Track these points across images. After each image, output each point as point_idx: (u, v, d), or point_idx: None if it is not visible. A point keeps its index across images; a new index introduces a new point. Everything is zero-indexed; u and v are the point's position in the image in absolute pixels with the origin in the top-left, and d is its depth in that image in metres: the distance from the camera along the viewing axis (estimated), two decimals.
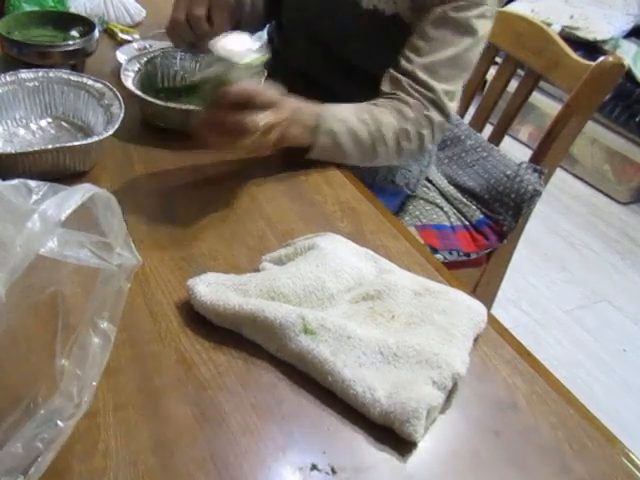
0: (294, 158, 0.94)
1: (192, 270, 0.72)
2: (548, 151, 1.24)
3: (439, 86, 0.99)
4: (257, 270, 0.72)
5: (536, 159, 1.27)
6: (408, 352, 0.61)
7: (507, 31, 1.37)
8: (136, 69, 1.01)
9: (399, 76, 1.01)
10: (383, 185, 1.24)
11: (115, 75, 1.10)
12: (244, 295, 0.65)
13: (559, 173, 2.73)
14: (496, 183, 1.29)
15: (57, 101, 0.95)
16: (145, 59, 1.03)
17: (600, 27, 2.74)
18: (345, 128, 0.93)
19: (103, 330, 0.52)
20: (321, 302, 0.66)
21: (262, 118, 0.78)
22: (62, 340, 0.53)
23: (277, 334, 0.63)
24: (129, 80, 0.96)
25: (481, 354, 0.67)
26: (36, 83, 0.93)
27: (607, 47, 2.76)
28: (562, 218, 2.48)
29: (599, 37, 2.71)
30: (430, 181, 1.40)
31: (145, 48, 1.18)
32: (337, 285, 0.68)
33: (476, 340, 0.67)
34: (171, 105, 0.92)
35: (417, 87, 0.99)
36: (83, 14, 1.23)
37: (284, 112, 0.83)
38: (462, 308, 0.67)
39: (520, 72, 1.40)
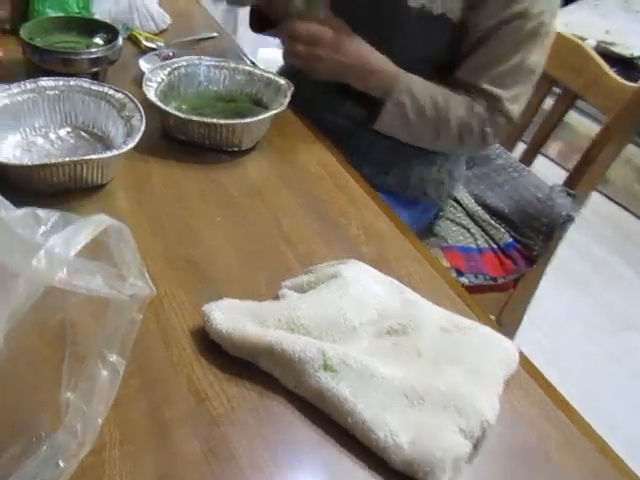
0: (316, 177, 0.91)
1: (208, 293, 0.69)
2: (584, 175, 1.19)
3: (504, 94, 1.02)
4: (277, 296, 0.69)
5: (570, 182, 1.22)
6: (434, 396, 0.57)
7: None
8: (159, 79, 0.98)
9: (467, 87, 1.03)
10: (414, 196, 1.21)
11: (137, 84, 1.08)
12: (262, 325, 0.61)
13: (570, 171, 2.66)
14: (527, 206, 1.24)
15: (77, 110, 0.92)
16: (168, 69, 1.00)
17: (637, 43, 2.67)
18: (414, 103, 1.01)
19: (112, 363, 0.49)
20: (343, 335, 0.63)
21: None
22: (69, 371, 0.49)
23: (295, 369, 0.59)
24: (151, 91, 0.94)
25: (511, 398, 0.62)
26: (56, 92, 0.91)
27: None
28: (589, 239, 2.41)
29: (636, 53, 2.64)
30: (457, 201, 1.36)
31: (169, 56, 1.15)
32: (360, 317, 0.64)
33: (506, 383, 0.63)
34: (193, 118, 0.89)
35: (485, 95, 1.03)
36: (107, 20, 1.22)
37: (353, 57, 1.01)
38: (492, 347, 0.63)
39: (556, 89, 1.35)
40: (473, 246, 1.27)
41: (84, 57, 1.01)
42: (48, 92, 0.90)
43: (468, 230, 1.30)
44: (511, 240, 1.26)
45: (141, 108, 0.87)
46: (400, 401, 0.57)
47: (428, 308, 0.67)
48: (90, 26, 1.11)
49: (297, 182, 0.90)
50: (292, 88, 0.98)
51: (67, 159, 0.77)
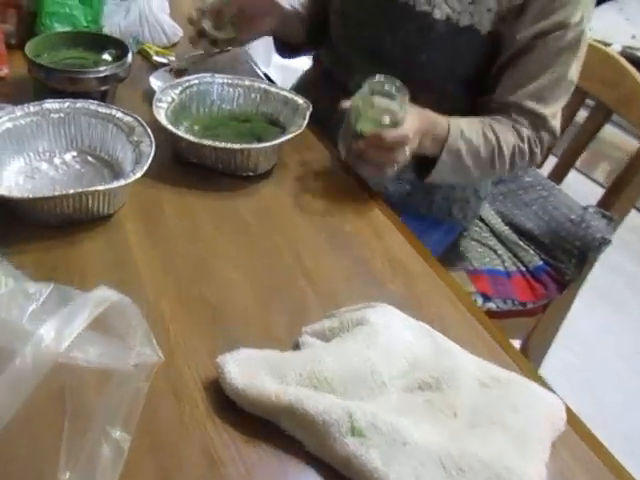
0: (337, 204, 0.85)
1: (223, 338, 0.63)
2: (620, 195, 1.12)
3: (547, 111, 0.98)
4: (297, 343, 0.63)
5: (605, 204, 1.15)
6: (474, 465, 0.51)
7: None
8: (170, 99, 0.93)
9: (505, 107, 0.99)
10: (438, 217, 1.15)
11: (147, 101, 1.02)
12: (282, 381, 0.55)
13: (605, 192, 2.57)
14: (558, 227, 1.17)
15: (83, 134, 0.87)
16: (180, 88, 0.95)
17: None
18: (469, 146, 0.94)
19: (115, 440, 0.43)
20: (371, 391, 0.57)
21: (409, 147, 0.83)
22: (68, 447, 0.44)
23: (319, 432, 0.53)
24: (161, 112, 0.88)
25: (560, 463, 0.56)
26: (61, 114, 0.85)
27: None
28: (619, 253, 2.32)
29: None
30: (483, 220, 1.29)
31: (181, 72, 1.10)
32: (389, 369, 0.58)
33: (553, 444, 0.57)
34: (206, 142, 0.84)
35: (527, 115, 0.98)
36: (117, 33, 1.17)
37: (415, 139, 0.87)
38: (537, 405, 0.57)
39: (590, 102, 1.28)
40: (501, 269, 1.20)
41: (92, 76, 0.96)
42: (53, 115, 0.85)
43: (495, 251, 1.23)
44: (541, 263, 1.19)
45: (150, 133, 0.82)
46: (436, 470, 0.51)
47: (463, 358, 0.61)
48: (98, 41, 1.06)
49: (316, 210, 0.85)
50: (310, 108, 0.92)
51: (71, 191, 0.71)
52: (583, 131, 1.25)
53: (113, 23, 1.18)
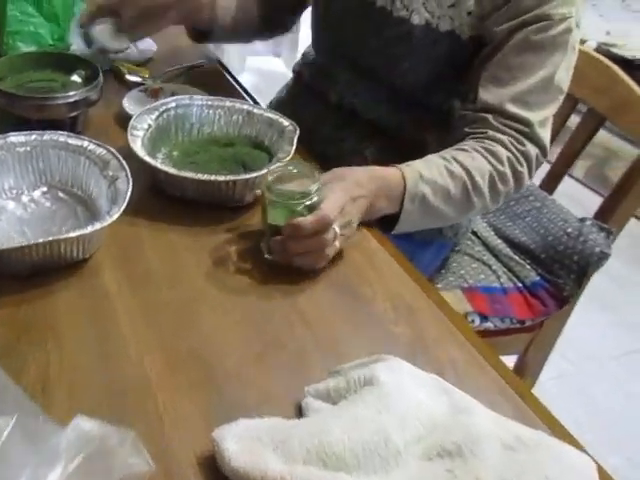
0: None
1: (218, 403, 0.58)
2: (618, 206, 1.08)
3: (533, 117, 0.88)
4: (300, 406, 0.57)
5: (602, 215, 1.11)
6: None
7: None
8: (146, 126, 0.86)
9: (483, 114, 0.89)
10: (428, 237, 1.09)
11: (121, 125, 0.96)
12: (287, 459, 0.50)
13: (595, 199, 2.56)
14: (555, 241, 1.13)
15: (53, 168, 0.80)
16: (156, 113, 0.88)
17: (639, 44, 2.57)
18: (434, 188, 0.83)
19: None
20: (385, 463, 0.51)
21: (339, 225, 0.72)
22: None
23: None
24: (137, 142, 0.82)
25: None
26: (28, 148, 0.79)
27: None
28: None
29: (638, 55, 2.54)
30: (475, 233, 1.25)
31: (155, 91, 1.03)
32: (404, 436, 0.53)
33: None
34: (186, 175, 0.78)
35: (508, 122, 0.88)
36: (86, 52, 1.09)
37: (361, 205, 0.77)
38: (567, 469, 0.52)
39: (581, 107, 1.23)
40: (497, 285, 1.16)
41: (61, 102, 0.89)
42: (18, 149, 0.78)
43: (489, 267, 1.19)
44: (538, 278, 1.15)
45: (126, 167, 0.75)
46: None
47: (483, 416, 0.56)
48: (66, 62, 0.99)
49: None
50: (297, 131, 0.87)
51: (40, 240, 0.65)
52: (576, 138, 1.21)
53: (82, 40, 1.10)
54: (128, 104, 0.99)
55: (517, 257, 1.18)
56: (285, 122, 0.89)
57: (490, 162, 0.86)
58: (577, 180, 2.60)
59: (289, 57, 3.09)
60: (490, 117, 0.89)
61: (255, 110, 0.92)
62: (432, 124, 1.01)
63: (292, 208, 0.70)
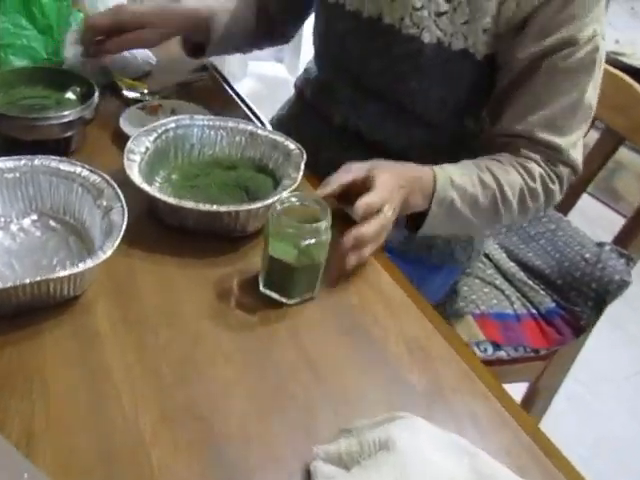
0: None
1: (217, 464, 0.53)
2: (638, 232, 1.03)
3: (564, 141, 0.87)
4: (307, 469, 0.52)
5: (621, 241, 1.06)
6: None
7: None
8: (143, 149, 0.81)
9: (513, 140, 0.88)
10: (440, 260, 1.05)
11: (118, 145, 0.91)
12: None
13: (602, 210, 2.51)
14: (571, 267, 1.08)
15: (44, 195, 0.75)
16: (154, 134, 0.83)
17: None
18: (462, 195, 0.82)
19: None
20: None
21: (375, 223, 0.71)
22: None
23: None
24: (134, 168, 0.77)
25: None
26: (17, 174, 0.74)
27: None
28: None
29: None
30: (486, 255, 1.20)
31: (155, 108, 0.98)
32: None
33: None
34: (186, 205, 0.73)
35: (539, 148, 0.87)
36: (82, 67, 1.04)
37: (402, 195, 0.77)
38: None
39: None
40: (510, 312, 1.11)
41: (54, 122, 0.84)
42: (7, 175, 0.73)
43: (502, 292, 1.14)
44: (554, 305, 1.10)
45: (122, 197, 0.70)
46: None
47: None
48: (61, 78, 0.94)
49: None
50: (304, 156, 0.82)
51: (27, 281, 0.60)
52: (592, 158, 1.16)
53: (77, 53, 1.05)
54: (125, 123, 0.94)
55: (531, 282, 1.13)
56: (291, 145, 0.84)
57: (522, 177, 0.86)
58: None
59: (291, 63, 3.04)
60: (520, 142, 0.87)
61: (259, 131, 0.87)
62: (442, 147, 0.97)
63: (298, 244, 0.65)
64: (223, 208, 0.72)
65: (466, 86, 0.91)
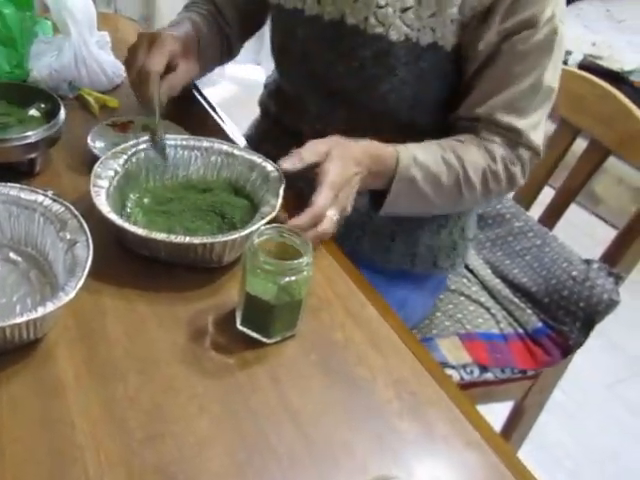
0: (322, 301, 0.70)
1: None
2: (627, 250, 1.00)
3: (524, 123, 0.86)
4: None
5: (610, 258, 1.03)
6: None
7: (563, 91, 1.14)
8: (112, 173, 0.76)
9: (474, 123, 0.87)
10: (424, 270, 1.01)
11: (86, 165, 0.86)
12: None
13: (581, 213, 2.50)
14: (559, 285, 1.05)
15: (3, 224, 0.70)
16: (124, 157, 0.78)
17: (625, 56, 2.52)
18: (425, 174, 0.82)
19: None
20: None
21: (333, 214, 0.72)
22: None
23: None
24: (101, 195, 0.72)
25: None
26: None
27: (632, 77, 2.54)
28: None
29: (626, 67, 2.48)
30: (471, 271, 1.17)
31: (124, 125, 0.93)
32: None
33: None
34: (158, 237, 0.68)
35: (499, 130, 0.86)
36: (47, 77, 0.99)
37: (354, 185, 0.77)
38: None
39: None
40: (496, 331, 1.08)
41: (17, 143, 0.79)
42: None
43: (488, 310, 1.10)
44: (541, 325, 1.07)
45: (87, 230, 0.65)
46: None
47: None
48: (24, 93, 0.88)
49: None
50: (284, 181, 0.77)
51: None
52: (578, 171, 1.13)
53: (43, 65, 1.00)
54: (94, 141, 0.88)
55: (517, 300, 1.10)
56: (269, 167, 0.80)
57: (484, 158, 0.85)
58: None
59: (269, 66, 2.98)
60: (480, 125, 0.87)
61: (235, 151, 0.83)
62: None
63: (277, 281, 0.61)
64: (197, 240, 0.68)
65: (437, 80, 0.89)
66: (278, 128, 1.03)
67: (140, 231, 0.68)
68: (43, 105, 0.88)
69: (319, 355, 0.65)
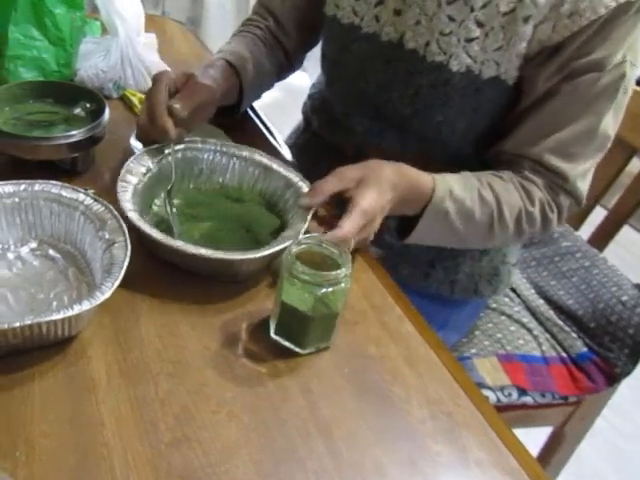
0: (358, 314, 0.68)
1: None
2: None
3: (572, 170, 0.81)
4: None
5: None
6: None
7: None
8: (143, 170, 0.75)
9: (519, 160, 0.83)
10: (463, 296, 0.98)
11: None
12: None
13: (633, 235, 2.41)
14: (607, 310, 1.01)
15: (44, 222, 0.70)
16: (159, 155, 0.77)
17: None
18: (459, 208, 0.78)
19: None
20: None
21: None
22: None
23: None
24: (127, 193, 0.70)
25: None
26: (16, 199, 0.69)
27: None
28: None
29: None
30: (514, 290, 1.13)
31: None
32: None
33: None
34: (178, 246, 0.65)
35: (545, 172, 0.82)
36: (94, 78, 1.00)
37: (385, 212, 0.74)
38: None
39: None
40: (537, 354, 1.04)
41: (60, 142, 0.79)
42: (5, 200, 0.68)
43: (530, 331, 1.07)
44: (586, 350, 1.03)
45: (125, 230, 0.65)
46: None
47: None
48: (70, 92, 0.89)
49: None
50: (314, 209, 0.73)
51: (17, 324, 0.54)
52: (632, 192, 1.08)
53: (90, 65, 1.00)
54: (135, 142, 0.88)
55: (562, 323, 1.06)
56: (304, 188, 0.76)
57: (522, 199, 0.81)
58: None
59: (314, 71, 2.99)
60: (526, 164, 0.82)
61: (274, 165, 0.80)
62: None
63: (314, 292, 0.59)
64: (220, 254, 0.65)
65: (493, 113, 0.85)
66: (319, 143, 1.01)
67: (170, 241, 0.66)
68: (88, 105, 0.88)
69: (352, 369, 0.63)
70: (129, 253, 0.62)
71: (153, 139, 0.77)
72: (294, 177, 0.78)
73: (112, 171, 0.86)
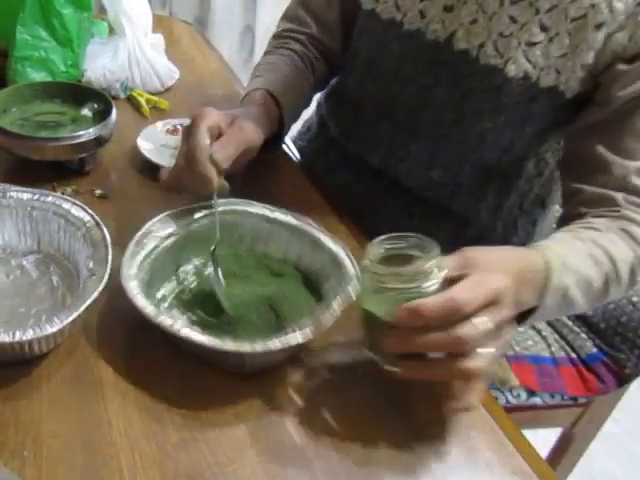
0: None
1: None
2: None
3: None
4: None
5: None
6: None
7: None
8: (164, 234, 0.66)
9: (609, 192, 0.72)
10: None
11: (134, 166, 0.86)
12: None
13: None
14: (617, 310, 1.00)
15: (52, 235, 0.68)
16: (189, 219, 0.68)
17: None
18: (577, 280, 0.65)
19: None
20: None
21: (481, 322, 0.50)
22: None
23: None
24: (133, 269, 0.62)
25: None
26: (28, 208, 0.68)
27: None
28: None
29: None
30: None
31: (175, 130, 0.93)
32: None
33: None
34: (183, 335, 0.56)
35: (638, 200, 0.72)
36: (101, 78, 1.00)
37: (506, 298, 0.53)
38: None
39: None
40: (546, 355, 1.03)
41: (67, 143, 0.79)
42: (20, 207, 0.68)
43: (538, 332, 1.06)
44: (596, 351, 1.01)
45: (109, 263, 0.61)
46: None
47: None
48: (78, 93, 0.89)
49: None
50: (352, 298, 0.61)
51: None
52: None
53: (97, 66, 1.01)
54: (143, 142, 0.88)
55: (571, 323, 1.05)
56: (348, 264, 0.65)
57: (630, 246, 0.70)
58: None
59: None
60: (620, 196, 0.72)
61: (322, 238, 0.68)
62: (488, 193, 0.86)
63: (404, 295, 0.52)
64: (230, 346, 0.55)
65: (542, 127, 0.78)
66: (337, 150, 0.94)
67: (166, 322, 0.56)
68: (96, 105, 0.88)
69: (385, 395, 0.60)
70: (101, 288, 0.58)
71: (189, 188, 0.68)
72: (341, 253, 0.66)
73: (119, 171, 0.86)
